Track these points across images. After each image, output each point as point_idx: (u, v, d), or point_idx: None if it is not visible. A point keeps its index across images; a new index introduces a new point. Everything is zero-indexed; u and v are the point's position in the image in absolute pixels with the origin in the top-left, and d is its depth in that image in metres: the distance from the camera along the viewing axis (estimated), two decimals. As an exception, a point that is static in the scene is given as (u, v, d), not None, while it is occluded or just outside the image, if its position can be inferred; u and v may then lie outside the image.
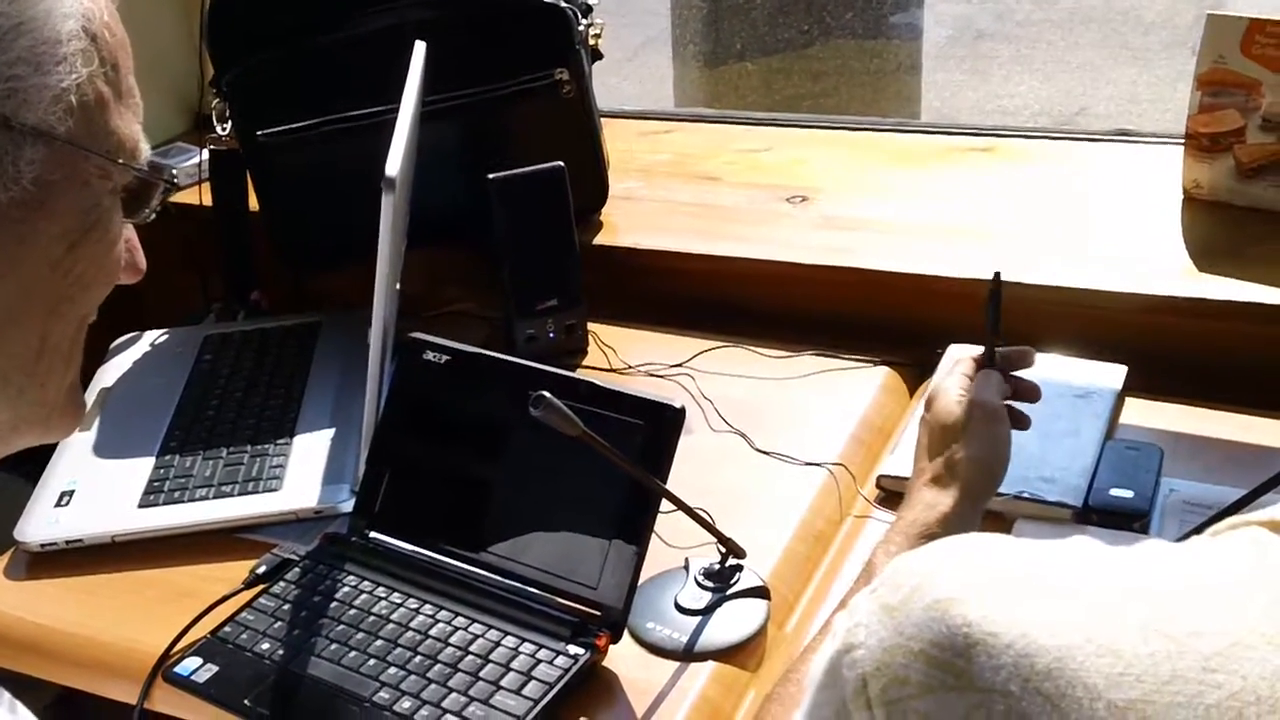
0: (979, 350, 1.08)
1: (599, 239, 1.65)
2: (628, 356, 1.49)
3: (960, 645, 0.55)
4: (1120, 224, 1.52)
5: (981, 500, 1.03)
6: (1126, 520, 1.16)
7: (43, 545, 1.26)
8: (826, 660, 0.61)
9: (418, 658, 1.07)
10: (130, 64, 0.71)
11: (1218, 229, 1.48)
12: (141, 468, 1.35)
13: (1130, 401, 1.34)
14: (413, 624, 1.10)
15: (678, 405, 1.09)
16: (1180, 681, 0.51)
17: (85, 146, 0.67)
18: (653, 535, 1.08)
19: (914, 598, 0.58)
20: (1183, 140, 1.51)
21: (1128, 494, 1.19)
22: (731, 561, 1.14)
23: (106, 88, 0.68)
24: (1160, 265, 1.43)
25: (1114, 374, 1.35)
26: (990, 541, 0.61)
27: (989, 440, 1.03)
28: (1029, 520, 1.19)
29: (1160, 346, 1.36)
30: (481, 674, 1.05)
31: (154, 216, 0.74)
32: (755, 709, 1.04)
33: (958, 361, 1.08)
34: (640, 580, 1.07)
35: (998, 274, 1.07)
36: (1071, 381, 1.34)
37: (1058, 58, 5.21)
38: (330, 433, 1.38)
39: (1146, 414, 1.32)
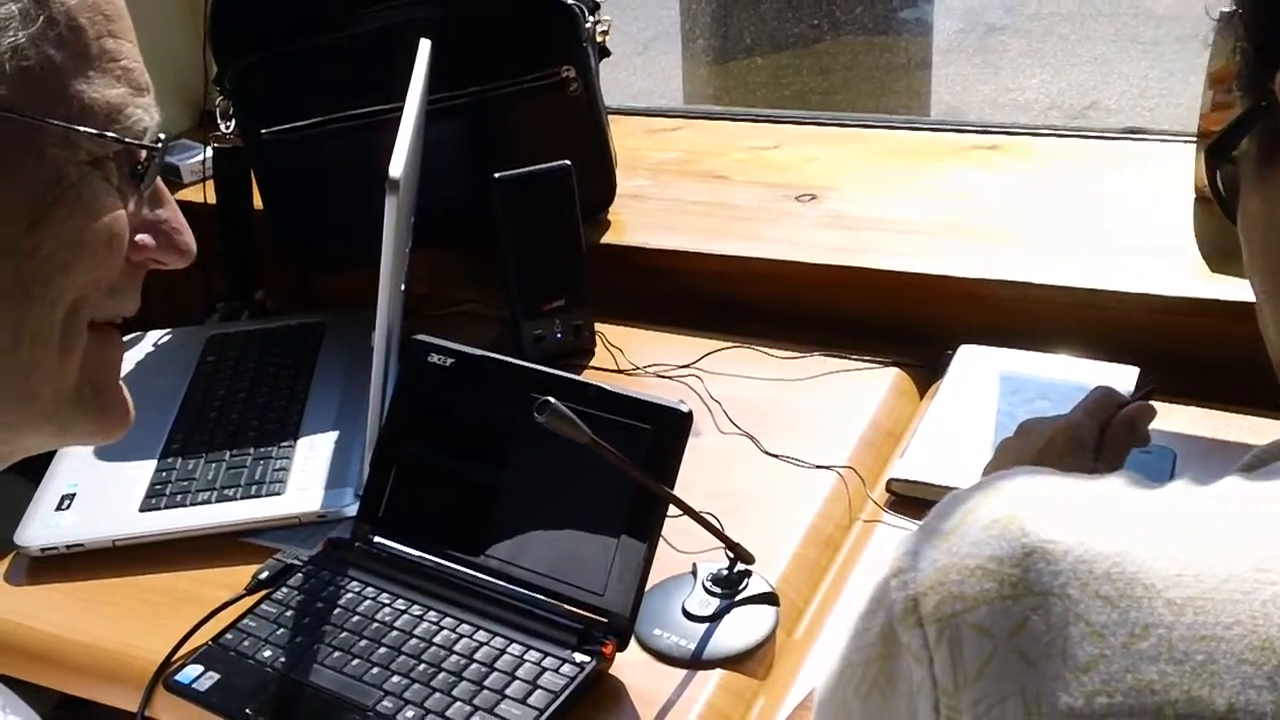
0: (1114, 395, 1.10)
1: (606, 238, 1.63)
2: (635, 357, 1.47)
3: (1018, 555, 0.55)
4: (1131, 223, 1.50)
5: None
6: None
7: (43, 549, 1.25)
8: (873, 588, 0.60)
9: (422, 665, 1.06)
10: (111, 25, 0.65)
11: (1230, 228, 1.44)
12: (143, 470, 1.34)
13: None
14: (417, 631, 1.09)
15: (685, 409, 1.07)
16: (1236, 580, 0.53)
17: (30, 115, 0.61)
18: (660, 540, 1.07)
19: (968, 520, 0.58)
20: (1195, 138, 1.49)
21: (1141, 498, 1.17)
22: (740, 567, 1.12)
23: (58, 51, 0.62)
24: (1172, 265, 1.41)
25: (1126, 375, 1.33)
26: (1037, 472, 0.62)
27: None
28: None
29: (1173, 348, 1.34)
30: (486, 682, 1.03)
31: (149, 188, 0.68)
32: (763, 716, 1.03)
33: (1096, 407, 1.09)
34: (647, 586, 1.06)
35: (1151, 389, 1.14)
36: (1084, 383, 1.31)
37: (1068, 51, 5.19)
38: (334, 435, 1.37)
39: (1159, 416, 1.30)
